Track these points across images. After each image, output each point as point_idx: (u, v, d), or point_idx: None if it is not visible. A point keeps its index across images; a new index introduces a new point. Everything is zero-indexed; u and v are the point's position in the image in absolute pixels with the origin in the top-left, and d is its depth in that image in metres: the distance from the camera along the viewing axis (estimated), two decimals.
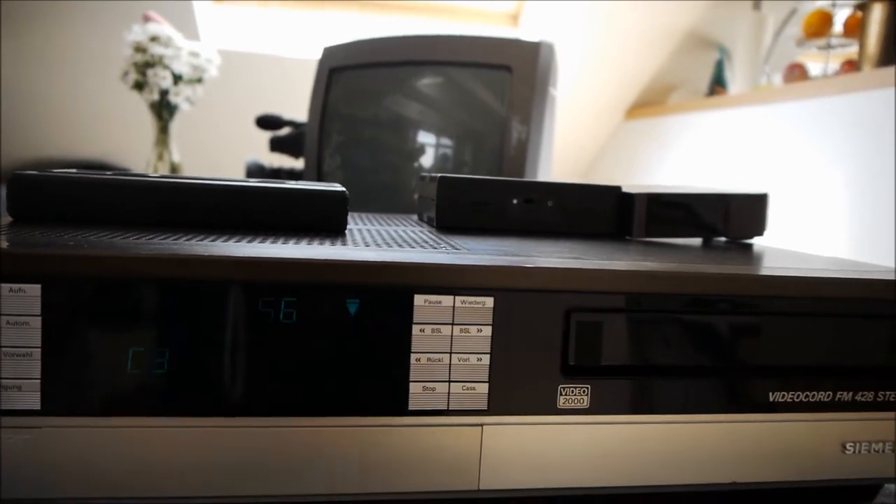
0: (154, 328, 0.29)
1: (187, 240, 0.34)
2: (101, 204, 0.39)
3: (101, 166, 1.98)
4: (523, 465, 0.32)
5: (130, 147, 1.93)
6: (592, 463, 0.32)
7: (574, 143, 2.20)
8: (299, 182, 0.45)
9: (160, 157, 1.52)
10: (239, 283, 0.29)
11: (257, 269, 0.29)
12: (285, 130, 1.46)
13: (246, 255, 0.29)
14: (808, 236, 1.47)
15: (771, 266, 0.38)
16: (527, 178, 0.88)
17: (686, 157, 1.94)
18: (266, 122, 1.46)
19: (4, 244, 0.29)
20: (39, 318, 0.28)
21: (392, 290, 0.30)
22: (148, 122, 1.55)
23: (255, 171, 1.45)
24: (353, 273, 0.30)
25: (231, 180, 0.42)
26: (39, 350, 0.28)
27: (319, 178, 1.07)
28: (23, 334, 0.28)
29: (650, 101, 2.20)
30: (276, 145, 1.45)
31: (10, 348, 0.28)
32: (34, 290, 0.28)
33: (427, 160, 1.02)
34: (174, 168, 1.53)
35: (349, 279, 0.30)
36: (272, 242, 0.35)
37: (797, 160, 1.55)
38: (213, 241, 0.34)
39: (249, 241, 0.34)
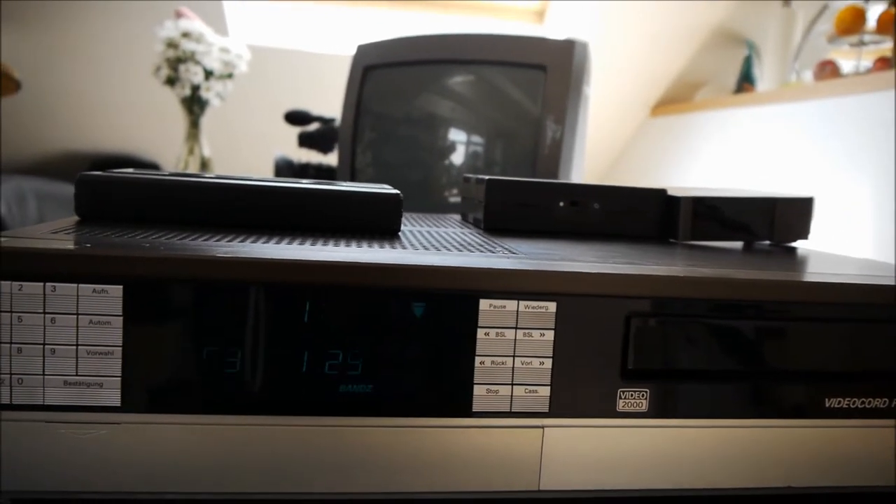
0: (228, 329, 0.30)
1: (252, 242, 0.35)
2: (165, 204, 0.40)
3: (131, 161, 2.01)
4: (583, 466, 0.33)
5: (160, 142, 1.96)
6: (651, 465, 0.33)
7: (599, 139, 2.19)
8: (352, 184, 0.45)
9: (191, 152, 1.54)
10: (311, 286, 0.30)
11: (328, 273, 0.30)
12: (313, 126, 1.47)
13: (317, 260, 0.30)
14: (836, 236, 1.46)
15: (824, 272, 0.38)
16: (561, 178, 0.88)
17: (713, 155, 1.93)
18: (294, 118, 1.47)
19: (86, 246, 0.30)
20: (121, 318, 0.29)
21: (458, 295, 0.31)
22: (178, 116, 1.57)
23: (284, 166, 1.46)
24: (421, 277, 0.31)
25: (288, 181, 0.43)
26: (120, 349, 0.29)
27: (352, 174, 1.08)
28: (105, 333, 0.29)
29: (677, 98, 2.18)
30: (305, 141, 1.46)
31: (92, 346, 0.29)
32: (116, 290, 0.29)
33: (459, 158, 1.02)
34: (204, 163, 1.55)
35: (417, 283, 0.31)
36: (336, 245, 0.35)
37: (827, 158, 1.53)
38: (277, 243, 0.35)
39: (314, 243, 0.35)
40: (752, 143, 1.78)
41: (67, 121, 1.99)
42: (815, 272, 0.38)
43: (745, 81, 1.99)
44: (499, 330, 0.31)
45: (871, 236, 1.41)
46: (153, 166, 2.03)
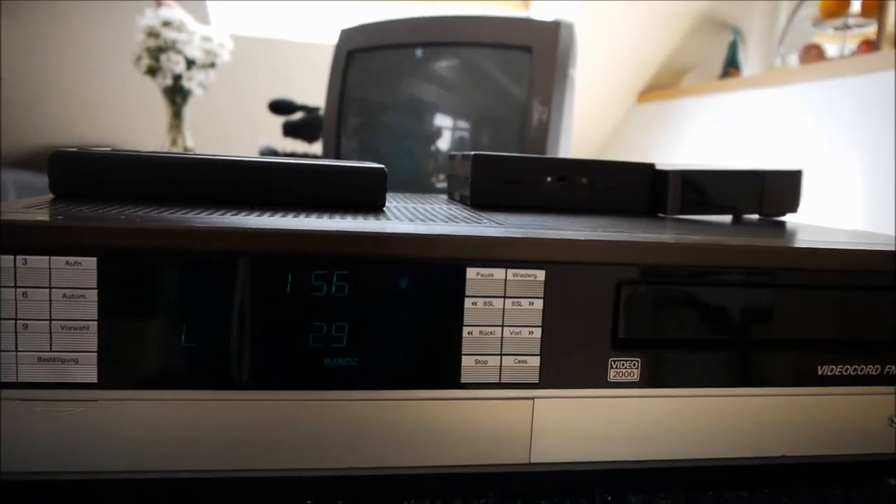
0: (208, 302, 0.29)
1: (233, 215, 0.34)
2: (141, 181, 0.39)
3: None
4: (574, 438, 0.32)
5: (143, 132, 1.93)
6: (643, 436, 0.32)
7: (586, 126, 2.19)
8: (337, 160, 0.44)
9: (174, 142, 1.52)
10: (292, 257, 0.29)
11: (310, 243, 0.29)
12: (298, 115, 1.45)
13: (299, 229, 0.29)
14: (823, 218, 1.47)
15: (817, 241, 0.38)
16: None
17: (699, 140, 1.93)
18: (279, 107, 1.46)
19: (58, 218, 0.29)
20: (96, 292, 0.28)
21: (444, 264, 0.30)
22: (160, 107, 1.55)
23: (269, 156, 1.45)
24: (406, 246, 0.30)
25: (270, 157, 0.42)
26: (96, 323, 0.28)
27: None
28: (79, 307, 0.28)
29: (663, 84, 2.18)
30: (289, 130, 1.44)
31: (66, 321, 0.28)
32: (90, 263, 0.28)
33: (445, 143, 1.01)
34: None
35: (402, 252, 0.30)
36: (318, 217, 0.35)
37: (812, 142, 1.54)
38: (259, 216, 0.34)
39: (296, 216, 0.34)
40: (738, 128, 1.78)
41: (48, 112, 1.96)
42: (809, 240, 0.38)
43: (731, 66, 1.99)
44: (487, 299, 0.30)
45: (858, 217, 1.41)
46: None
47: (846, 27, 1.62)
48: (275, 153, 1.44)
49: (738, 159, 1.75)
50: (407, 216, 0.38)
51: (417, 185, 1.03)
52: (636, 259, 0.32)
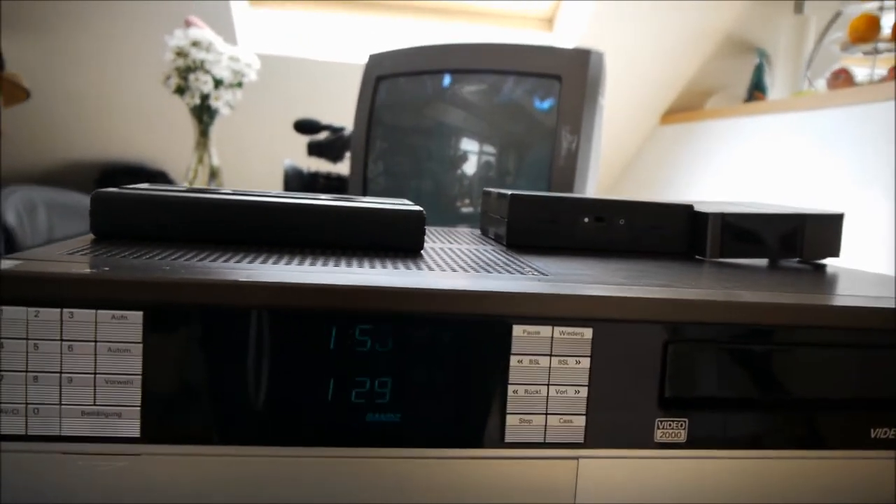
0: (252, 356, 0.29)
1: (274, 262, 0.34)
2: (182, 221, 0.39)
3: (140, 170, 2.00)
4: (619, 498, 0.31)
5: (169, 150, 1.95)
6: (689, 498, 0.32)
7: (609, 147, 2.18)
8: (372, 199, 0.44)
9: (200, 161, 1.53)
10: (338, 312, 0.29)
11: (356, 298, 0.29)
12: (323, 135, 1.46)
13: (346, 284, 0.29)
14: (849, 247, 1.44)
15: (864, 295, 0.37)
16: (577, 189, 0.87)
17: (723, 164, 1.91)
18: (304, 127, 1.47)
19: (105, 270, 0.29)
20: (141, 346, 0.28)
21: (491, 321, 0.30)
22: (187, 124, 1.56)
23: (293, 175, 1.46)
24: (454, 303, 0.29)
25: (308, 197, 0.41)
26: (140, 377, 0.28)
27: (364, 184, 1.07)
28: (124, 361, 0.28)
29: (686, 106, 2.17)
30: (314, 150, 1.46)
31: (110, 375, 0.28)
32: (136, 317, 0.28)
33: (471, 168, 1.01)
34: (214, 172, 1.54)
35: (448, 309, 0.29)
36: (360, 266, 0.34)
37: (840, 168, 1.52)
38: (300, 264, 0.34)
39: (337, 265, 0.34)
40: (763, 153, 1.76)
41: (76, 129, 1.98)
42: (855, 295, 0.37)
43: (756, 90, 1.97)
44: (533, 357, 0.30)
45: (886, 247, 1.39)
46: (162, 175, 2.02)
47: (876, 52, 1.60)
48: (300, 172, 1.44)
49: (764, 184, 1.73)
50: (448, 262, 0.38)
51: (444, 209, 1.03)
52: (684, 317, 0.31)
